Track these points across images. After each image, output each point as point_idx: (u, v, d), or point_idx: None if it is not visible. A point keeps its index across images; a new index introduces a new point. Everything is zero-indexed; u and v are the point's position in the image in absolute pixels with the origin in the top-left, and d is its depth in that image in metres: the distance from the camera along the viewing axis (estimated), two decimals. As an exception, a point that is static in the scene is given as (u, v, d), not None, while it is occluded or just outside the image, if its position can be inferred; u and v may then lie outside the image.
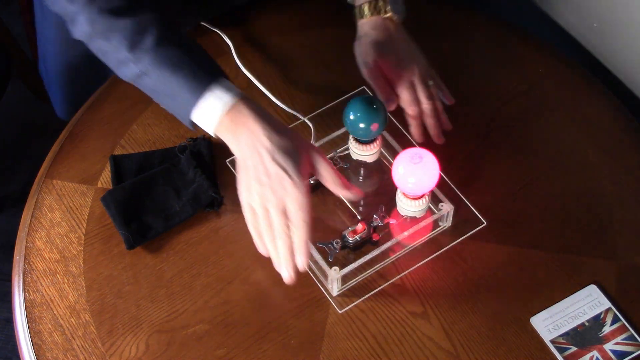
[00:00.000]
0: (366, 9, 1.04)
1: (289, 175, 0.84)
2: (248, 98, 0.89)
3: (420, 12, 1.20)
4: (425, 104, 1.01)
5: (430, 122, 1.01)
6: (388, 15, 1.04)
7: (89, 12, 0.89)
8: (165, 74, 0.88)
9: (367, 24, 1.05)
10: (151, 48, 0.88)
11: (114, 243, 0.97)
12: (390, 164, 1.02)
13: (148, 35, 0.88)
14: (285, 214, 0.85)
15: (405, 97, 1.00)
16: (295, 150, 0.86)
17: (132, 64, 0.89)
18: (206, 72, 0.89)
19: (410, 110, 1.00)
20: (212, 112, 0.88)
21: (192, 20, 1.18)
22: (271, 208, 0.85)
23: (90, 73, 1.17)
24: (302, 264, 0.86)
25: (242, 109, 0.87)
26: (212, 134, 0.90)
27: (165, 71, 0.88)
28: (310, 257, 0.93)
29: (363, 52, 1.02)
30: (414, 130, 1.01)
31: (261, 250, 0.89)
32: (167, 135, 1.06)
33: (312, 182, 0.99)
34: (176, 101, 0.89)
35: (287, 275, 0.86)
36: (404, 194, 0.93)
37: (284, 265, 0.86)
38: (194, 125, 0.90)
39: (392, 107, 0.98)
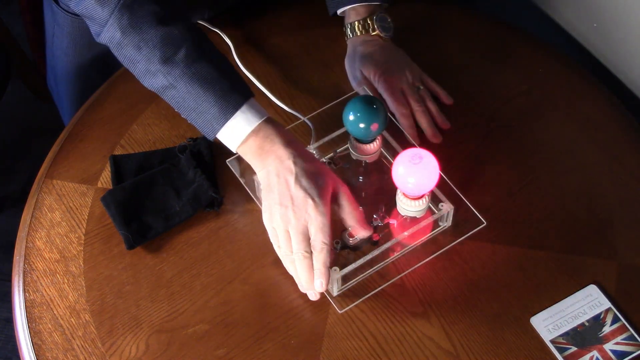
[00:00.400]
0: (355, 27, 1.09)
1: (312, 199, 0.86)
2: (274, 120, 0.90)
3: (420, 12, 1.20)
4: (415, 107, 1.05)
5: (422, 121, 1.05)
6: (376, 33, 1.08)
7: (123, 19, 0.88)
8: (196, 90, 0.88)
9: (356, 41, 1.10)
10: (183, 62, 0.88)
11: (114, 243, 0.97)
12: (390, 164, 1.02)
13: (181, 49, 0.88)
14: (306, 236, 0.86)
15: (393, 103, 1.04)
16: (319, 175, 0.88)
17: (161, 76, 0.89)
18: (237, 91, 0.89)
19: (397, 113, 1.04)
20: (239, 132, 0.89)
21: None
22: (292, 230, 0.87)
23: (99, 83, 1.17)
24: (320, 287, 0.87)
25: (269, 132, 0.89)
26: (235, 152, 0.91)
27: (196, 86, 0.88)
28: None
29: (352, 67, 1.08)
30: (408, 131, 1.04)
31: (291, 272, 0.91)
32: (167, 135, 1.06)
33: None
34: (203, 117, 0.90)
35: (312, 295, 0.90)
36: (404, 194, 0.93)
37: (306, 287, 0.89)
38: (213, 139, 0.92)
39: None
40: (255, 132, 0.89)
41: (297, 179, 0.87)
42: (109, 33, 0.90)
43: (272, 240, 0.91)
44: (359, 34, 1.09)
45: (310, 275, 0.87)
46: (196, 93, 0.88)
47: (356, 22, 1.09)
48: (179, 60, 0.88)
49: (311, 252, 0.87)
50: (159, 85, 0.90)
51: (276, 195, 0.88)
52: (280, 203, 0.87)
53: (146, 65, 0.89)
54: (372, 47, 1.08)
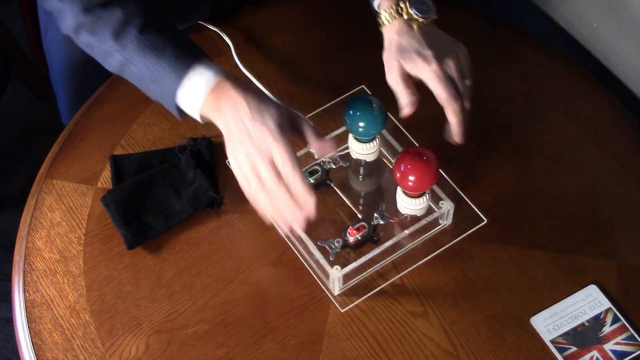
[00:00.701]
0: (388, 14, 0.98)
1: (269, 128, 0.85)
2: (230, 74, 0.90)
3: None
4: (453, 102, 0.92)
5: (453, 120, 0.93)
6: (412, 17, 0.97)
7: (75, 7, 0.90)
8: (149, 59, 0.90)
9: (391, 31, 0.98)
10: (135, 36, 0.89)
11: (114, 243, 0.97)
12: (390, 162, 1.02)
13: (132, 24, 0.90)
14: (273, 166, 0.85)
15: (438, 95, 0.92)
16: (273, 107, 0.87)
17: (117, 53, 0.91)
18: (189, 53, 0.90)
19: (448, 107, 0.93)
20: (197, 92, 0.89)
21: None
22: (258, 164, 0.85)
23: (96, 76, 1.17)
24: (310, 205, 0.84)
25: (224, 84, 0.89)
26: (198, 116, 0.91)
27: (149, 56, 0.90)
28: (311, 256, 0.93)
29: (390, 61, 0.96)
30: (456, 129, 0.94)
31: (266, 219, 0.89)
32: (167, 135, 1.06)
33: (312, 181, 0.99)
34: (161, 85, 0.91)
35: (299, 229, 0.86)
36: (404, 192, 0.93)
37: (290, 218, 0.86)
38: (181, 113, 0.92)
39: (407, 111, 0.94)
40: (213, 89, 0.89)
41: (251, 116, 0.86)
42: (68, 22, 0.92)
43: (243, 186, 0.88)
44: (391, 21, 0.97)
45: (291, 202, 0.85)
46: (150, 62, 0.90)
47: (389, 9, 0.97)
48: (129, 34, 0.90)
49: (281, 179, 0.85)
50: (117, 64, 0.92)
51: (236, 138, 0.87)
52: (241, 142, 0.86)
53: (101, 46, 0.91)
54: (408, 36, 0.96)
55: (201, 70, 0.89)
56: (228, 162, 1.02)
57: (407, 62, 0.93)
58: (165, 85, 0.90)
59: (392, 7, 0.96)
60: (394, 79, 0.94)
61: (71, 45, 1.12)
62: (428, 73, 0.92)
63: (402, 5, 0.96)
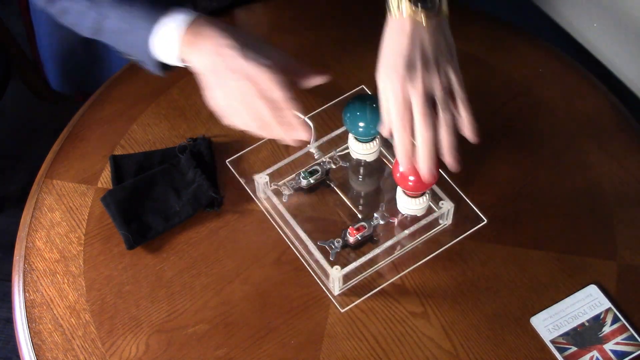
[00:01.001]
0: (389, 6, 0.88)
1: (264, 65, 0.85)
2: (206, 16, 0.89)
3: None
4: (419, 130, 0.84)
5: (419, 152, 0.85)
6: (411, 14, 0.86)
7: None
8: (124, 9, 0.90)
9: (391, 25, 0.88)
10: None
11: (114, 243, 0.97)
12: (390, 162, 1.02)
13: None
14: (269, 100, 0.85)
15: (393, 119, 0.85)
16: (263, 44, 0.88)
17: (91, 12, 0.92)
18: (163, 2, 0.90)
19: (394, 133, 0.85)
20: (172, 35, 0.88)
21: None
22: (253, 99, 0.85)
23: (82, 48, 1.19)
24: (306, 136, 0.87)
25: (201, 23, 0.88)
26: (178, 61, 0.90)
27: (123, 7, 0.90)
28: (311, 256, 0.93)
29: (379, 70, 0.88)
30: (401, 161, 0.87)
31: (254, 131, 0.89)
32: (167, 135, 1.06)
33: (312, 181, 0.99)
34: (136, 34, 0.90)
35: (294, 143, 0.88)
36: (404, 192, 0.93)
37: (289, 139, 0.87)
38: (163, 69, 0.92)
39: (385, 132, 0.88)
40: (188, 29, 0.88)
41: (242, 53, 0.86)
42: None
43: (232, 118, 0.88)
44: (390, 16, 0.87)
45: (286, 128, 0.86)
46: (125, 13, 0.90)
47: (390, 2, 0.87)
48: None
49: (280, 112, 0.86)
50: (93, 22, 0.92)
51: (226, 73, 0.86)
52: (233, 78, 0.86)
53: (76, 7, 0.92)
54: (397, 38, 0.86)
55: (174, 15, 0.88)
56: (228, 161, 1.02)
57: (379, 74, 0.87)
58: (139, 35, 0.90)
59: (392, 1, 0.87)
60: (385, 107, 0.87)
61: (58, 24, 1.14)
62: (385, 90, 0.86)
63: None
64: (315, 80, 0.91)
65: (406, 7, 0.85)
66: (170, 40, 0.88)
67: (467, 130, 0.86)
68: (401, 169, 0.88)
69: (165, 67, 0.93)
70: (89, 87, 1.30)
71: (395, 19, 0.86)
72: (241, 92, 0.86)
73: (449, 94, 0.85)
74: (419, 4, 0.85)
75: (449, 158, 0.85)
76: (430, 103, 0.84)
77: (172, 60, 0.91)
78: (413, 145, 0.85)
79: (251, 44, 0.87)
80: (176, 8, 0.89)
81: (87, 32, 0.95)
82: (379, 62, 0.87)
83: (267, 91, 0.85)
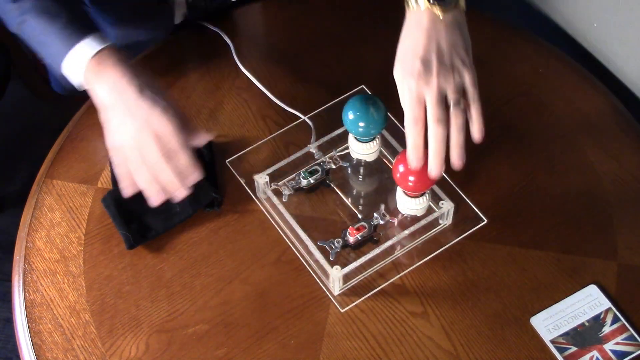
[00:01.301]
0: (406, 1, 0.87)
1: (160, 106, 0.87)
2: (117, 48, 0.92)
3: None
4: (431, 128, 0.84)
5: (430, 148, 0.85)
6: (429, 7, 0.85)
7: None
8: (43, 22, 0.93)
9: (408, 20, 0.87)
10: (32, 2, 0.92)
11: (114, 243, 0.97)
12: (390, 162, 1.02)
13: None
14: (161, 141, 0.87)
15: (406, 115, 0.86)
16: (161, 90, 0.90)
17: (15, 12, 0.94)
18: (80, 25, 0.93)
19: (406, 128, 0.86)
20: (80, 59, 0.91)
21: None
22: (145, 141, 0.87)
23: None
24: (196, 177, 0.89)
25: (108, 55, 0.91)
26: (80, 85, 0.93)
27: (43, 19, 0.92)
28: (311, 256, 0.93)
29: (396, 69, 0.87)
30: (410, 155, 0.87)
31: (126, 191, 0.92)
32: (167, 135, 1.06)
33: (312, 181, 0.99)
34: (50, 50, 0.93)
35: (179, 195, 0.91)
36: (404, 192, 0.93)
37: (172, 190, 0.90)
38: (65, 86, 0.97)
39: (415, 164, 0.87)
40: (95, 57, 0.90)
41: (140, 91, 0.88)
42: None
43: (115, 159, 0.91)
44: (408, 9, 0.87)
45: (175, 177, 0.88)
46: (43, 26, 0.93)
47: None
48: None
49: (168, 159, 0.87)
50: (16, 23, 0.95)
51: (122, 109, 0.88)
52: (131, 116, 0.88)
53: (2, 6, 0.94)
54: (414, 33, 0.86)
55: (89, 41, 0.91)
56: (228, 161, 1.02)
57: (396, 70, 0.87)
58: (53, 52, 0.93)
59: None
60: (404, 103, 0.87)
61: None
62: (402, 88, 0.86)
63: None
64: (201, 140, 0.92)
65: (424, 1, 0.85)
66: (78, 66, 0.91)
67: (476, 130, 0.87)
68: (410, 164, 0.87)
69: (70, 86, 0.96)
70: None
71: (413, 11, 0.86)
72: (136, 130, 0.88)
73: (462, 92, 0.85)
74: (437, 4, 0.85)
75: (456, 156, 0.86)
76: (444, 101, 0.84)
77: (77, 83, 0.93)
78: (423, 141, 0.85)
79: (150, 85, 0.89)
80: (93, 33, 0.92)
81: (12, 29, 0.97)
82: (397, 56, 0.87)
83: (162, 133, 0.87)
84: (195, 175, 0.89)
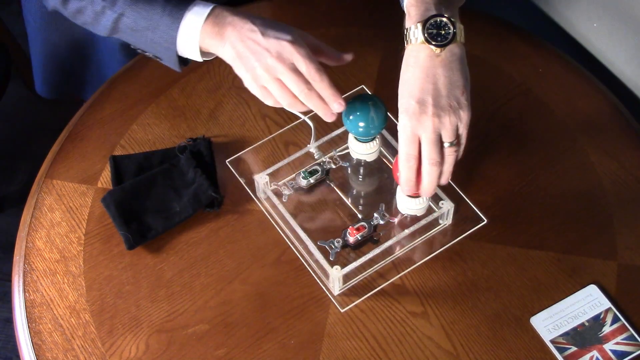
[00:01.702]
0: (405, 36, 0.87)
1: (286, 40, 0.87)
2: (224, 6, 0.92)
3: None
4: (425, 163, 0.86)
5: (424, 180, 0.88)
6: (425, 43, 0.85)
7: None
8: (142, 7, 0.92)
9: (406, 55, 0.87)
10: None
11: (114, 243, 0.97)
12: (390, 162, 1.02)
13: None
14: (298, 74, 0.87)
15: (400, 149, 0.87)
16: (283, 24, 0.90)
17: (108, 11, 0.93)
18: None
19: (400, 164, 0.87)
20: (194, 28, 0.91)
21: None
22: (282, 76, 0.87)
23: (69, 55, 1.20)
24: (339, 107, 0.88)
25: (220, 13, 0.91)
26: (198, 53, 0.93)
27: (140, 6, 0.92)
28: (311, 256, 0.93)
29: (400, 103, 0.87)
30: (403, 188, 0.89)
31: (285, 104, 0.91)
32: (167, 135, 1.06)
33: (312, 181, 0.99)
34: (159, 32, 0.92)
35: (329, 115, 0.90)
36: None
37: (324, 114, 0.89)
38: (181, 63, 0.95)
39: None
40: (208, 19, 0.90)
41: (263, 33, 0.88)
42: None
43: (266, 100, 0.91)
44: (406, 44, 0.87)
45: (322, 104, 0.88)
46: (144, 11, 0.92)
47: (405, 30, 0.86)
48: None
49: (311, 84, 0.87)
50: (111, 21, 0.94)
51: (251, 56, 0.89)
52: (258, 60, 0.88)
53: (92, 8, 0.94)
54: (412, 70, 0.85)
55: (196, 9, 0.91)
56: (228, 161, 1.02)
57: (400, 105, 0.86)
58: (164, 32, 0.92)
59: (407, 30, 0.87)
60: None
61: (47, 29, 1.13)
62: (400, 124, 0.86)
63: (416, 27, 0.85)
64: (340, 60, 0.93)
65: (421, 37, 0.85)
66: (191, 33, 0.91)
67: (445, 179, 0.88)
68: (403, 192, 0.91)
69: (183, 61, 0.96)
70: (75, 91, 1.30)
71: (411, 45, 0.86)
72: (267, 70, 0.88)
73: (456, 133, 0.86)
74: (432, 42, 0.84)
75: (444, 180, 0.88)
76: (439, 141, 0.85)
77: (195, 55, 0.93)
78: (416, 175, 0.87)
79: (270, 24, 0.89)
80: (196, 2, 0.91)
81: (103, 31, 0.96)
82: (399, 88, 0.87)
83: (293, 65, 0.87)
84: (339, 104, 0.88)
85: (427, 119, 0.84)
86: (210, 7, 0.91)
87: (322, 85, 0.87)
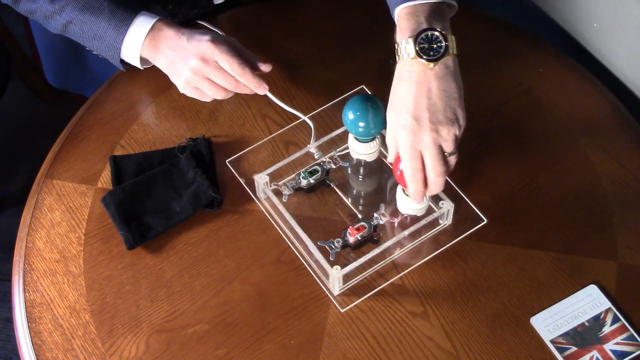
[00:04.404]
0: (396, 51, 0.86)
1: (206, 40, 0.97)
2: (167, 20, 1.00)
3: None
4: (430, 174, 0.87)
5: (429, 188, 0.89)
6: (416, 58, 0.83)
7: None
8: (89, 19, 0.99)
9: (397, 70, 0.87)
10: None
11: (114, 243, 0.97)
12: (390, 162, 1.02)
13: None
14: (220, 69, 0.98)
15: (404, 164, 0.87)
16: (208, 31, 1.01)
17: (57, 16, 0.99)
18: (125, 9, 0.99)
19: (406, 176, 0.88)
20: (137, 40, 0.99)
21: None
22: (209, 75, 0.98)
23: (65, 44, 1.24)
24: (264, 90, 1.00)
25: (160, 26, 0.99)
26: (138, 61, 1.01)
27: (88, 15, 0.99)
28: (311, 256, 0.93)
29: (388, 120, 0.88)
30: (414, 199, 0.90)
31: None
32: (167, 135, 1.06)
33: (312, 181, 0.99)
34: (104, 42, 1.00)
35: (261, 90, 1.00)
36: (404, 192, 0.93)
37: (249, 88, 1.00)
38: (123, 64, 1.03)
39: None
40: (148, 33, 0.99)
41: (188, 39, 0.98)
42: None
43: (202, 99, 1.02)
44: (398, 59, 0.86)
45: (250, 90, 0.99)
46: (90, 22, 0.99)
47: (396, 45, 0.85)
48: None
49: (235, 78, 0.98)
50: (60, 25, 1.00)
51: (179, 62, 0.98)
52: (185, 63, 0.98)
53: (42, 11, 1.00)
54: (405, 84, 0.85)
55: (139, 23, 0.98)
56: (228, 161, 1.02)
57: (389, 122, 0.87)
58: (109, 42, 0.99)
59: (398, 45, 0.86)
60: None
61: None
62: (399, 141, 0.86)
63: (407, 42, 0.84)
64: (257, 69, 1.01)
65: (413, 54, 0.84)
66: (135, 47, 1.00)
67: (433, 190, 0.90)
68: (414, 201, 0.92)
69: (128, 63, 1.04)
70: (78, 86, 1.31)
71: (403, 60, 0.85)
72: (195, 73, 0.98)
73: (456, 143, 0.87)
74: (424, 56, 0.83)
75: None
76: (442, 152, 0.86)
77: (136, 62, 1.02)
78: (424, 185, 0.88)
79: (197, 31, 0.99)
80: (139, 12, 0.99)
81: (55, 31, 1.02)
82: (390, 101, 0.88)
83: (216, 63, 0.97)
84: (264, 87, 0.99)
85: (425, 134, 0.84)
86: (152, 22, 0.99)
87: (245, 78, 0.98)
